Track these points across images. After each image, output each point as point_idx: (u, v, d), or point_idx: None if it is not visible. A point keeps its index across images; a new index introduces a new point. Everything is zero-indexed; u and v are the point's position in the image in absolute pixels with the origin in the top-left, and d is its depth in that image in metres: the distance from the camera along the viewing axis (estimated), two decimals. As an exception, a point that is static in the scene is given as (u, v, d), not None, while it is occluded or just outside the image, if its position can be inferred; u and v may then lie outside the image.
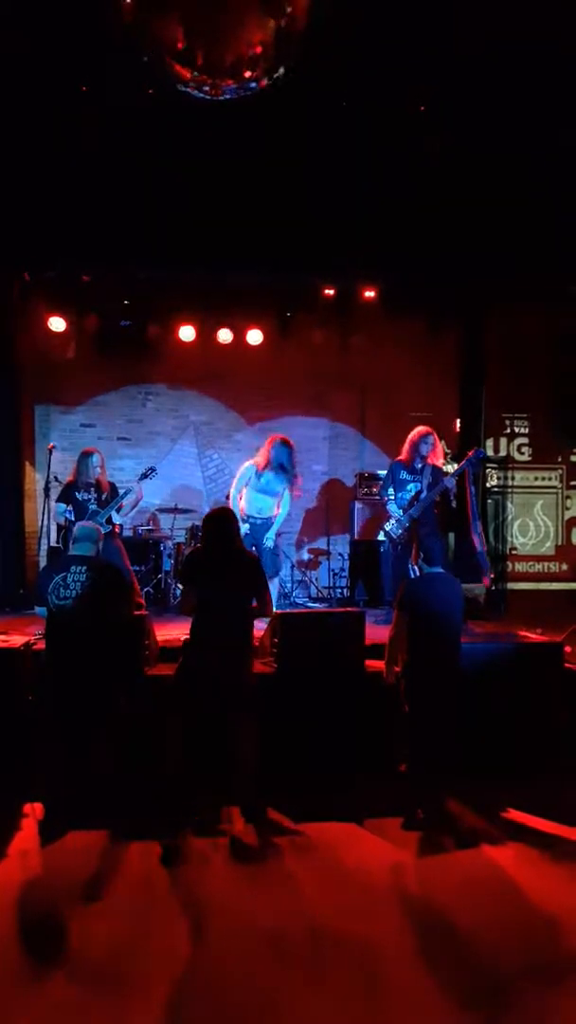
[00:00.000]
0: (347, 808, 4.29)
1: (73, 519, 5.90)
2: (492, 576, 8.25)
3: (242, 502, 6.37)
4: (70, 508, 6.05)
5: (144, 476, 6.34)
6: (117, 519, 6.23)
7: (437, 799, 4.32)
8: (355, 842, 3.98)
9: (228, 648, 4.12)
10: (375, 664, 4.84)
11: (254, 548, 6.11)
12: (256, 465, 6.33)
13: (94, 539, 4.33)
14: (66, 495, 6.12)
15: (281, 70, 3.74)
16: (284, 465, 6.26)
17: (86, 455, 6.15)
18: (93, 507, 6.01)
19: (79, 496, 6.06)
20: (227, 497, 6.71)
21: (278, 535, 7.78)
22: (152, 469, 6.45)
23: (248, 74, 3.62)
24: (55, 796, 4.15)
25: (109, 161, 5.96)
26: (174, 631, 5.73)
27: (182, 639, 4.36)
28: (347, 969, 2.88)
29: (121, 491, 6.18)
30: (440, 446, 6.56)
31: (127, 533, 7.44)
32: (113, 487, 6.22)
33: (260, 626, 5.08)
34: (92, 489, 6.08)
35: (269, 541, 6.22)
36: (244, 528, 6.12)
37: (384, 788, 4.40)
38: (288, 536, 8.61)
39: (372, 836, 4.05)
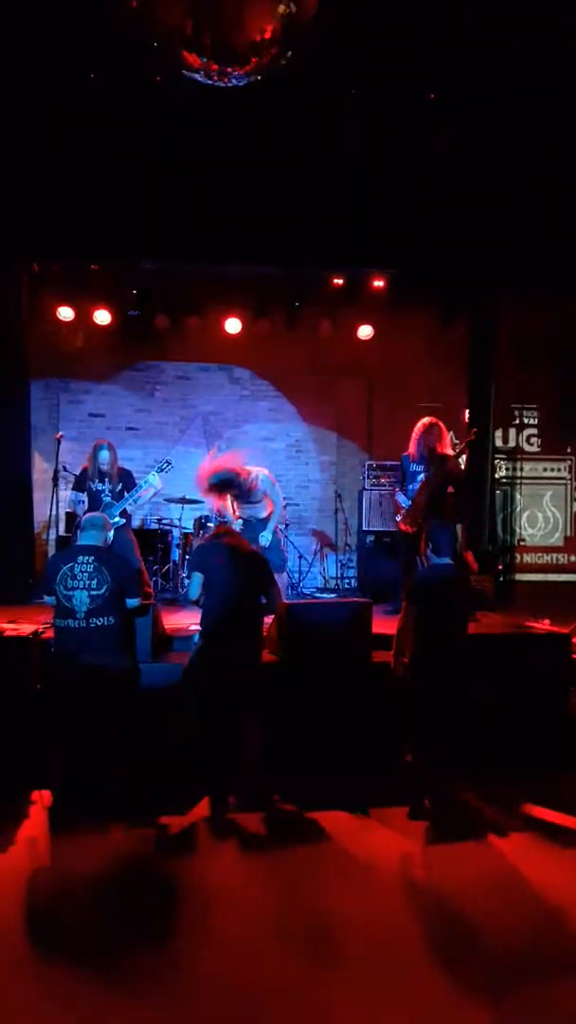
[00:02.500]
0: (354, 797, 4.30)
1: (86, 509, 5.91)
2: (500, 568, 8.24)
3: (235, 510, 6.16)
4: (83, 498, 6.07)
5: (160, 470, 6.31)
6: (130, 508, 6.21)
7: (443, 789, 4.32)
8: (361, 831, 3.99)
9: (238, 641, 4.13)
10: (383, 655, 4.84)
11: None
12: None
13: (101, 527, 4.34)
14: (81, 483, 6.14)
15: (289, 56, 3.70)
16: (241, 494, 5.69)
17: (97, 447, 6.15)
18: (107, 499, 6.02)
19: (93, 486, 6.07)
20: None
21: (286, 525, 7.78)
22: (168, 462, 6.41)
23: (256, 61, 3.59)
24: (64, 784, 4.17)
25: (117, 152, 5.95)
26: (183, 620, 5.74)
27: (190, 628, 4.38)
28: (353, 958, 2.89)
29: (139, 481, 6.17)
30: (447, 435, 6.51)
31: (134, 523, 7.45)
32: (126, 475, 6.22)
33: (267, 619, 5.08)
34: (106, 480, 6.09)
35: (264, 540, 6.01)
36: (238, 525, 5.81)
37: (391, 778, 4.40)
38: (296, 526, 8.61)
39: (378, 825, 4.06)
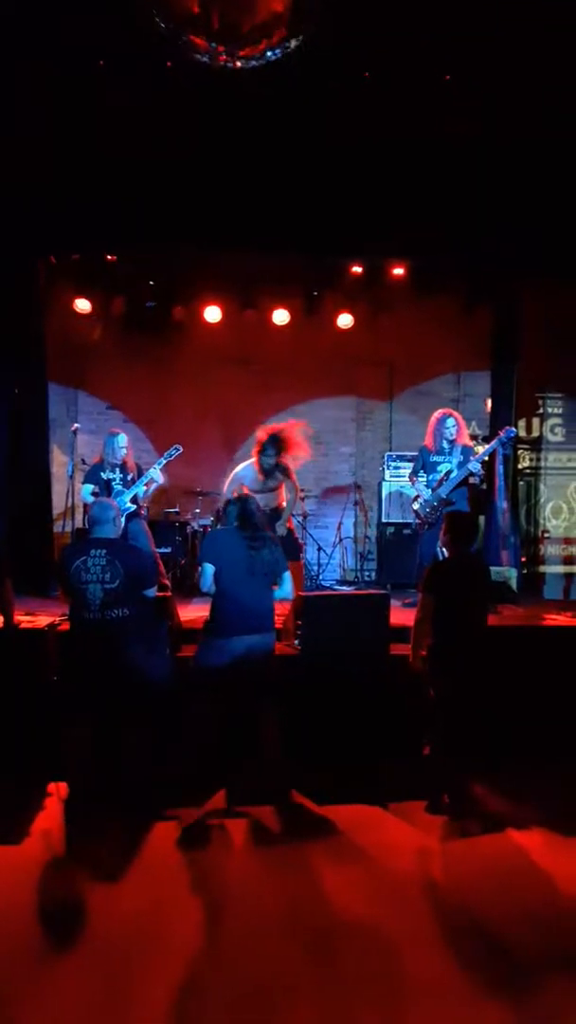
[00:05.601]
0: (371, 791, 4.26)
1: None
2: (524, 560, 8.12)
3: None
4: (96, 489, 6.07)
5: (168, 456, 6.30)
6: (142, 497, 6.18)
7: (462, 783, 4.26)
8: (379, 826, 3.94)
9: (249, 630, 4.09)
10: (401, 648, 4.77)
11: None
12: (253, 468, 6.02)
13: (112, 518, 4.30)
14: (93, 476, 6.15)
15: (298, 39, 3.63)
16: (268, 469, 5.92)
17: (112, 435, 6.18)
18: (118, 487, 6.03)
19: (104, 476, 6.08)
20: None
21: (304, 516, 7.72)
22: (177, 447, 6.40)
23: (265, 43, 3.52)
24: (79, 776, 4.17)
25: (132, 141, 5.89)
26: (198, 612, 5.71)
27: (203, 621, 4.34)
28: (365, 954, 2.84)
29: (147, 470, 6.16)
30: (464, 426, 6.40)
31: (150, 515, 7.41)
32: (139, 468, 6.22)
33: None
34: (118, 469, 6.10)
35: (281, 529, 5.99)
36: None
37: (409, 772, 4.35)
38: (315, 519, 8.55)
39: (396, 820, 4.01)
